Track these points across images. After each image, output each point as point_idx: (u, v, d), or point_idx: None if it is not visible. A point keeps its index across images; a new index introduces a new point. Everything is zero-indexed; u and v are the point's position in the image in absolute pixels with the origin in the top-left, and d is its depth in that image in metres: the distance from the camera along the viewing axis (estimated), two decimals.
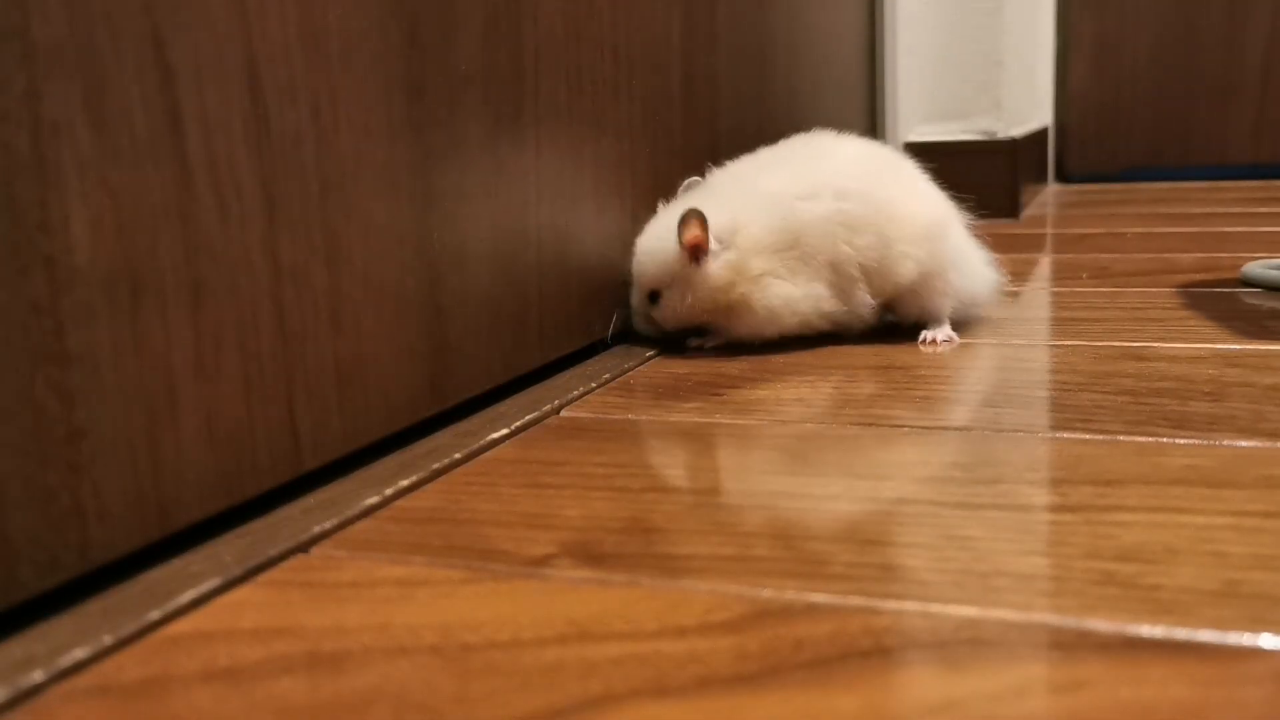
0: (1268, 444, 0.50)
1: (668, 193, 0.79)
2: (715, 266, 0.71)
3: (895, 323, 0.77)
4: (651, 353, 0.75)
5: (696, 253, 0.71)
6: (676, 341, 0.76)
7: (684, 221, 0.70)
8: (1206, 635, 0.32)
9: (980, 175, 1.46)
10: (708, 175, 0.78)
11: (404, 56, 0.52)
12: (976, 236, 0.79)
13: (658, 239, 0.73)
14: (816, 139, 0.79)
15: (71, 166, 0.36)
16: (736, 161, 0.78)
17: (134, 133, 0.38)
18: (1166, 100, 2.00)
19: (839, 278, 0.73)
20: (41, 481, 0.35)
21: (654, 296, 0.74)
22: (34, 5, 0.35)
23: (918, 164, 0.80)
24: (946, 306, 0.76)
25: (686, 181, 0.78)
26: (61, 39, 0.36)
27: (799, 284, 0.72)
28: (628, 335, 0.77)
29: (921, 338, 0.75)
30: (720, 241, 0.71)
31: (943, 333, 0.75)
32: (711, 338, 0.75)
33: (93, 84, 0.37)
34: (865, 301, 0.74)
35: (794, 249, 0.72)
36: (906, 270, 0.73)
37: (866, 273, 0.73)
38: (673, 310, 0.73)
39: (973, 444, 0.52)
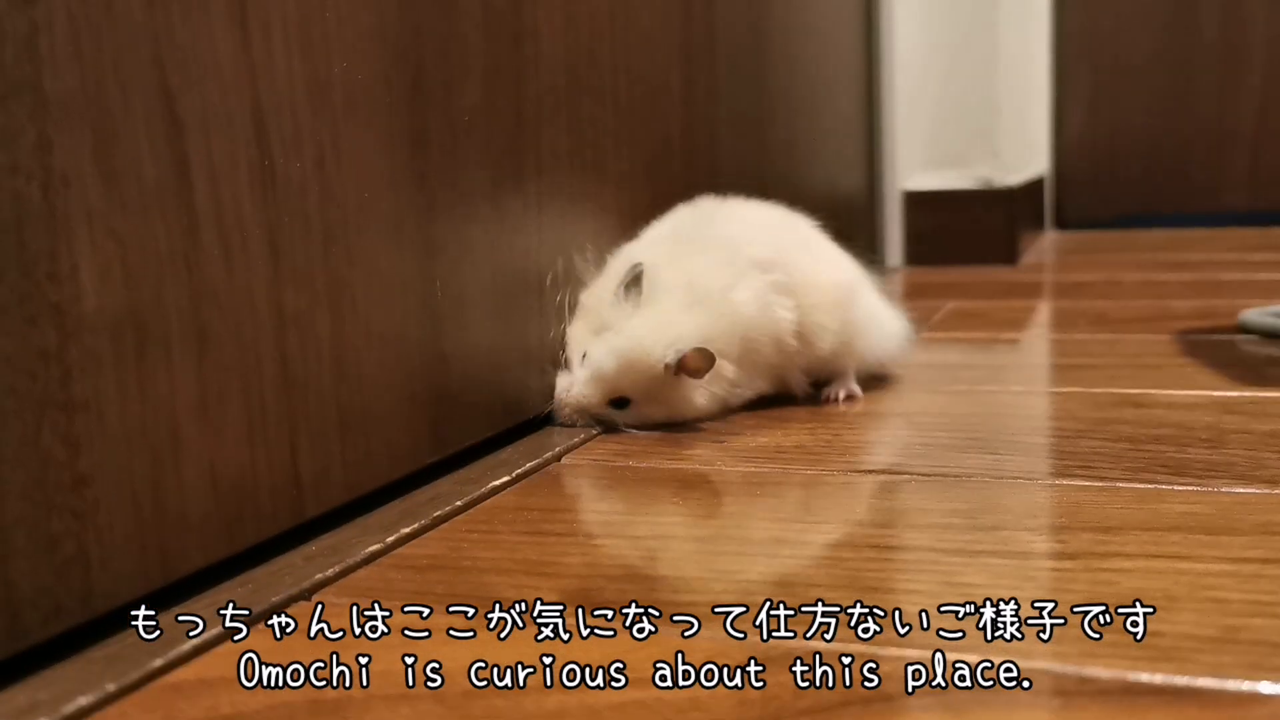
0: (1266, 491, 0.50)
1: None
2: (702, 400, 0.67)
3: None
4: None
5: (686, 376, 0.65)
6: None
7: (693, 355, 0.64)
8: (1205, 681, 0.32)
9: (978, 222, 1.47)
10: (630, 250, 0.71)
11: (407, 107, 0.53)
12: (885, 293, 0.78)
13: (635, 345, 0.65)
14: (710, 207, 0.75)
15: (81, 216, 0.37)
16: (649, 236, 0.73)
17: (142, 183, 0.39)
18: (1163, 147, 2.01)
19: (781, 356, 0.70)
20: (46, 528, 0.36)
21: (617, 401, 0.67)
22: (45, 58, 0.35)
23: (815, 224, 0.77)
24: (853, 365, 0.74)
25: (633, 267, 0.67)
26: (72, 91, 0.36)
27: (745, 378, 0.69)
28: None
29: (825, 395, 0.73)
30: None
31: (846, 389, 0.73)
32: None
33: (103, 135, 0.37)
34: (800, 381, 0.72)
35: (745, 348, 0.68)
36: (825, 342, 0.71)
37: (798, 338, 0.70)
38: (644, 419, 0.67)
39: (973, 491, 0.52)
